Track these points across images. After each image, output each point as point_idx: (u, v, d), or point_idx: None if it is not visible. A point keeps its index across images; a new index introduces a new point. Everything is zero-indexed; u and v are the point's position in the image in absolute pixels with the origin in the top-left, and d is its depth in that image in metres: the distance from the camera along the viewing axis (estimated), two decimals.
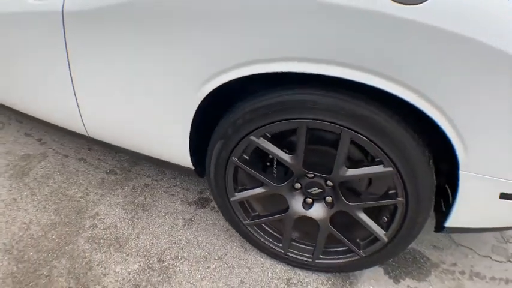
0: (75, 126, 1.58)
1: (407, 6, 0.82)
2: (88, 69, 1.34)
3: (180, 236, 1.58)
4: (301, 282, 1.41)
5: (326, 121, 1.06)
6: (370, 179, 1.27)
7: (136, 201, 1.74)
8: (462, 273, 1.48)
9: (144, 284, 1.39)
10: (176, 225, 1.63)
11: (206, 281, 1.41)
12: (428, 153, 1.07)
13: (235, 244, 1.55)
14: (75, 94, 1.44)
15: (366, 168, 1.13)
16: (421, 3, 0.81)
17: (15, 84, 1.63)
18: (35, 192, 1.75)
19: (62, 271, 1.42)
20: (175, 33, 1.08)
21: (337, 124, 1.05)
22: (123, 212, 1.68)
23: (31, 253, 1.48)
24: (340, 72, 0.94)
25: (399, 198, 1.14)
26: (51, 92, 1.52)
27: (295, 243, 1.41)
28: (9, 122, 2.18)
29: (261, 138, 1.18)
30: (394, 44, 0.86)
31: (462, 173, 1.04)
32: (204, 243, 1.55)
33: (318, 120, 1.06)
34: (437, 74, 0.87)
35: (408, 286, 1.42)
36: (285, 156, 1.19)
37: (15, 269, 1.41)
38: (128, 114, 1.37)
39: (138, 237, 1.57)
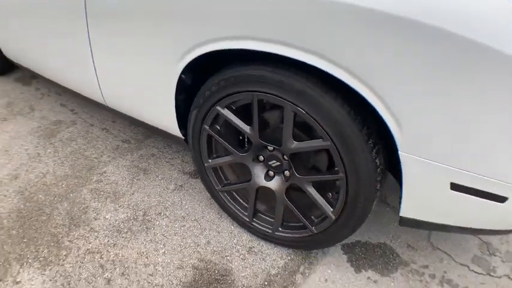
0: (97, 96, 1.82)
1: None
2: (102, 49, 1.56)
3: (168, 197, 1.75)
4: (261, 252, 1.49)
5: (272, 94, 1.15)
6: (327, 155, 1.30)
7: (140, 165, 1.94)
8: (432, 276, 1.43)
9: (125, 230, 1.57)
10: (168, 188, 1.80)
11: (178, 236, 1.56)
12: (367, 131, 1.09)
13: (213, 211, 1.67)
14: (95, 69, 1.67)
15: (309, 141, 1.19)
16: None
17: (49, 58, 1.92)
18: (58, 150, 2.02)
19: (62, 212, 1.65)
20: (156, 24, 1.28)
21: (280, 97, 1.14)
22: (127, 173, 1.89)
23: (40, 195, 1.73)
24: (278, 50, 1.04)
25: (340, 174, 1.17)
26: (78, 66, 1.77)
27: (261, 215, 1.49)
28: (49, 93, 2.52)
29: (226, 109, 1.31)
30: (323, 23, 0.94)
31: (402, 154, 1.04)
32: (186, 206, 1.70)
33: (265, 93, 1.17)
34: (364, 52, 0.92)
35: (368, 277, 1.42)
36: (245, 127, 1.30)
37: (22, 206, 1.67)
38: (131, 86, 1.58)
39: (132, 194, 1.76)
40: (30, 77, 2.68)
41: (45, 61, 1.96)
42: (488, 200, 1.04)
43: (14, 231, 1.55)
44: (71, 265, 1.43)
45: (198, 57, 1.24)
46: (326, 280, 1.39)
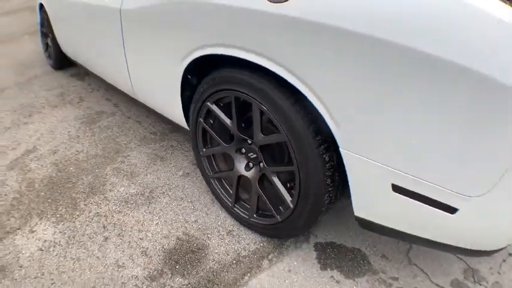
0: (130, 90, 2.14)
1: (275, 4, 1.08)
2: (131, 50, 1.87)
3: (174, 181, 1.98)
4: (239, 236, 1.64)
5: (243, 92, 1.33)
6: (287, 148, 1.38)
7: (159, 154, 2.21)
8: None
9: (131, 202, 1.83)
10: (176, 174, 2.04)
11: (172, 212, 1.77)
12: (314, 128, 1.18)
13: (208, 196, 1.87)
14: (127, 67, 1.99)
15: (270, 135, 1.34)
16: (285, 1, 1.06)
17: (95, 56, 2.29)
18: (95, 134, 2.37)
19: (85, 182, 1.96)
20: (165, 33, 1.56)
21: (249, 95, 1.32)
22: (146, 158, 2.17)
23: (71, 168, 2.06)
24: (239, 54, 1.23)
25: (293, 167, 1.29)
26: (116, 65, 2.11)
27: (242, 203, 1.64)
28: (98, 89, 2.93)
29: (214, 105, 1.52)
30: (268, 31, 1.11)
31: (342, 151, 1.11)
32: (187, 190, 1.92)
33: (239, 91, 1.35)
34: (300, 54, 1.06)
35: (332, 276, 1.44)
36: (227, 120, 1.50)
37: (54, 175, 2.00)
38: (151, 82, 1.86)
39: (146, 175, 2.02)
40: (84, 74, 3.13)
41: (92, 59, 2.34)
42: (437, 209, 1.02)
43: (42, 193, 1.88)
44: (80, 223, 1.70)
45: (196, 60, 1.47)
46: (290, 271, 1.48)
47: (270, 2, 1.10)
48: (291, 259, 1.53)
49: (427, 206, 1.03)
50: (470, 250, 1.07)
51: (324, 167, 1.21)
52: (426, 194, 1.01)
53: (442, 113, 0.88)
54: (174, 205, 1.81)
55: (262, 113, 1.32)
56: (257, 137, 1.39)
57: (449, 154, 0.92)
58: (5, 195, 1.90)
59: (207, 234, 1.65)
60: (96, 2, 2.05)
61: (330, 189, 1.26)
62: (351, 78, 0.99)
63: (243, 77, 1.30)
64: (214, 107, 1.51)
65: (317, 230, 1.65)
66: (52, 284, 1.43)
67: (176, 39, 1.50)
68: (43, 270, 1.49)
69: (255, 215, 1.57)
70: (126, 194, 1.88)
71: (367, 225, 1.24)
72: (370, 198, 1.16)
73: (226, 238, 1.63)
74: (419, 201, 1.03)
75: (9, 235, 1.66)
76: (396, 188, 1.06)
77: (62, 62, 3.11)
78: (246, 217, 1.61)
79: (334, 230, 1.65)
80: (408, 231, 1.14)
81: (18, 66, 3.76)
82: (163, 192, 1.90)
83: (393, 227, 1.17)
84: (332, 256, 1.54)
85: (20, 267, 1.51)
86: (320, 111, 1.11)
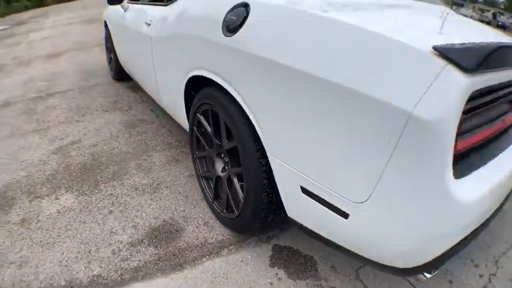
0: (158, 99, 2.61)
1: (227, 37, 1.44)
2: (157, 67, 2.34)
3: (179, 179, 2.34)
4: (212, 226, 1.91)
5: (212, 105, 1.67)
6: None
7: (176, 157, 2.61)
8: None
9: (140, 189, 2.22)
10: (183, 174, 2.40)
11: (168, 201, 2.12)
12: (254, 137, 1.41)
13: (201, 194, 2.19)
14: (156, 80, 2.46)
15: (231, 142, 1.62)
16: (232, 36, 1.42)
17: (139, 72, 2.81)
18: (131, 136, 2.86)
19: (110, 170, 2.41)
20: (174, 56, 1.97)
21: (215, 107, 1.64)
22: (165, 159, 2.58)
23: (103, 159, 2.54)
24: (207, 74, 1.60)
25: (239, 168, 1.56)
26: (150, 78, 2.60)
27: (220, 200, 1.92)
28: (146, 100, 3.49)
29: (201, 116, 1.87)
30: (222, 57, 1.47)
31: (269, 156, 1.35)
32: (186, 187, 2.26)
33: (211, 104, 1.69)
34: (238, 74, 1.40)
35: (276, 273, 1.61)
36: (209, 129, 1.83)
37: (88, 162, 2.50)
38: (169, 93, 2.29)
39: (159, 172, 2.42)
40: (137, 87, 3.72)
41: (138, 73, 2.86)
42: (334, 213, 1.16)
43: (74, 173, 2.37)
44: (96, 198, 2.13)
45: (194, 79, 1.85)
46: (242, 261, 1.70)
47: (224, 36, 1.46)
48: (247, 253, 1.76)
49: (326, 208, 1.18)
50: (386, 266, 1.14)
51: (261, 169, 1.46)
52: (325, 198, 1.17)
53: (332, 129, 1.09)
54: (171, 197, 2.17)
55: (225, 121, 1.64)
56: (223, 143, 1.71)
57: (338, 163, 1.09)
58: (44, 171, 2.43)
59: (188, 221, 1.97)
60: (138, 29, 2.58)
61: (268, 189, 1.49)
62: (272, 97, 1.28)
63: (213, 93, 1.65)
64: (201, 118, 1.87)
65: (281, 235, 1.86)
66: (58, 235, 1.85)
67: (180, 61, 1.91)
68: (54, 226, 1.92)
69: (225, 210, 1.86)
70: (139, 183, 2.29)
71: (299, 227, 1.40)
72: (289, 198, 1.36)
73: (201, 227, 1.93)
74: (321, 204, 1.20)
75: (37, 199, 2.15)
76: (304, 190, 1.25)
77: (121, 74, 3.74)
78: (219, 212, 1.90)
79: (297, 238, 1.83)
80: (319, 232, 1.30)
81: (84, 74, 4.63)
82: (167, 186, 2.27)
83: (314, 230, 1.32)
84: (284, 258, 1.72)
85: (38, 221, 1.96)
86: (253, 121, 1.39)
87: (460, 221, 1.01)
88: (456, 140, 0.93)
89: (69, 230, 1.89)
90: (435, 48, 0.90)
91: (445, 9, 1.74)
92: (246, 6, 1.43)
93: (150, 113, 3.27)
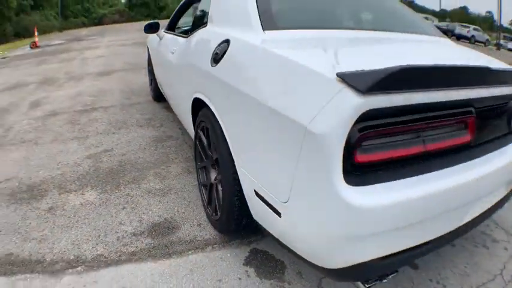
0: (180, 119, 3.01)
1: (213, 67, 1.79)
2: (176, 90, 2.75)
3: (188, 187, 2.67)
4: (204, 228, 2.20)
5: (205, 122, 2.01)
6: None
7: (190, 169, 2.96)
8: None
9: (153, 192, 2.59)
10: (192, 183, 2.73)
11: (172, 204, 2.46)
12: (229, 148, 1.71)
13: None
14: (177, 100, 2.87)
15: (215, 154, 1.93)
16: (215, 66, 1.76)
17: (168, 95, 3.26)
18: (157, 149, 3.28)
19: (132, 175, 2.82)
20: (184, 76, 2.37)
21: (206, 123, 1.99)
22: (180, 170, 2.94)
23: (128, 166, 2.97)
24: (199, 95, 1.97)
25: (219, 177, 1.86)
26: (174, 99, 3.02)
27: (213, 204, 2.25)
28: (175, 119, 3.90)
29: (200, 131, 2.22)
30: (209, 83, 1.83)
31: (237, 165, 1.64)
32: (191, 194, 2.58)
33: (205, 121, 2.03)
34: (214, 94, 1.76)
35: (246, 271, 1.84)
36: (205, 142, 2.17)
37: (115, 167, 2.94)
38: (182, 110, 2.69)
39: (172, 180, 2.78)
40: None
41: (167, 94, 3.32)
42: (273, 212, 1.37)
43: (101, 175, 2.80)
44: (114, 196, 2.53)
45: (196, 100, 2.22)
46: (221, 258, 1.94)
47: (211, 66, 1.82)
48: (227, 251, 2.02)
49: (268, 208, 1.41)
50: (315, 266, 1.28)
51: (232, 177, 1.75)
52: (266, 198, 1.41)
53: (267, 141, 1.39)
54: (177, 201, 2.51)
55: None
56: (213, 154, 2.03)
57: (271, 168, 1.35)
58: (76, 171, 2.89)
59: (184, 221, 2.29)
60: (166, 56, 3.03)
61: (239, 194, 1.76)
62: (233, 116, 1.63)
63: (206, 112, 2.00)
64: (201, 133, 2.21)
65: (262, 241, 2.10)
66: (76, 222, 2.25)
67: (187, 85, 2.30)
68: (75, 214, 2.33)
69: (213, 214, 2.16)
70: (153, 187, 2.67)
71: (262, 229, 1.63)
72: (250, 201, 1.62)
73: (194, 227, 2.24)
74: (265, 204, 1.43)
75: (66, 193, 2.59)
76: (256, 193, 1.50)
77: (159, 95, 4.24)
78: (210, 215, 2.21)
79: (275, 244, 1.94)
80: (271, 232, 1.50)
81: (128, 93, 5.27)
82: (176, 192, 2.62)
83: (264, 227, 1.55)
84: (258, 259, 1.95)
85: (63, 210, 2.38)
86: (226, 136, 1.72)
87: (356, 224, 1.11)
88: (354, 153, 1.10)
89: (87, 218, 2.29)
90: (337, 74, 1.10)
91: (438, 40, 1.95)
92: (228, 42, 1.78)
93: (178, 131, 3.70)
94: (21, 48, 16.42)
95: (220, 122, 1.75)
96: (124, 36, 16.16)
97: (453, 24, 23.93)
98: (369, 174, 1.15)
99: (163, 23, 3.91)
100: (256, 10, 1.79)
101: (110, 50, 11.64)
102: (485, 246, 2.08)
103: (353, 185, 1.10)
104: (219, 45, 1.86)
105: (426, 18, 29.14)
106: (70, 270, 1.85)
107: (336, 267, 1.25)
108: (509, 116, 1.62)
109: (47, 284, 1.75)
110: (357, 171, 1.12)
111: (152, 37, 4.03)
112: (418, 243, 1.31)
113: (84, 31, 24.87)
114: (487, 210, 1.59)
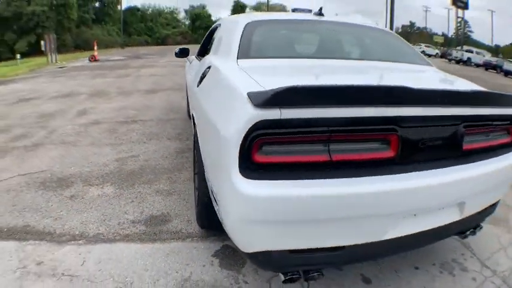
0: None
1: (197, 87, 2.22)
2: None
3: (190, 190, 3.06)
4: (191, 223, 2.54)
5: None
6: None
7: None
8: None
9: (160, 192, 3.02)
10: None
11: (173, 203, 2.86)
12: None
13: None
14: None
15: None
16: (198, 86, 2.20)
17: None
18: (176, 158, 3.75)
19: (148, 177, 3.30)
20: (190, 95, 2.83)
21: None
22: (189, 176, 3.33)
23: (148, 169, 3.45)
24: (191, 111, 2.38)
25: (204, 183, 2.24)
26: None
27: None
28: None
29: (195, 143, 2.63)
30: (194, 100, 2.25)
31: (205, 170, 2.02)
32: (191, 195, 2.99)
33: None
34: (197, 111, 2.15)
35: (212, 261, 2.15)
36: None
37: (136, 170, 3.43)
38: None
39: (180, 184, 3.19)
40: None
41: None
42: (217, 205, 1.70)
43: (122, 175, 3.31)
44: (127, 192, 3.01)
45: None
46: (194, 248, 2.27)
47: (196, 86, 2.24)
48: (202, 244, 2.34)
49: (214, 200, 1.78)
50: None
51: (204, 179, 2.11)
52: (214, 194, 1.76)
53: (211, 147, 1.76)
54: (177, 200, 2.92)
55: None
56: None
57: (213, 167, 1.70)
58: (103, 170, 3.43)
59: (177, 217, 2.67)
60: (187, 76, 3.53)
61: (208, 195, 2.09)
62: (201, 129, 2.02)
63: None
64: (195, 144, 2.63)
65: None
66: (90, 208, 2.74)
67: (190, 103, 2.75)
68: (91, 202, 2.83)
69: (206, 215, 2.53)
70: (161, 188, 3.11)
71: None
72: (212, 201, 1.93)
73: (184, 222, 2.61)
74: (214, 200, 1.78)
75: (89, 185, 3.12)
76: (211, 192, 1.86)
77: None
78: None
79: None
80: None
81: (168, 110, 5.92)
82: (178, 193, 3.03)
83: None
84: (226, 254, 2.25)
85: (82, 198, 2.90)
86: (199, 145, 2.11)
87: (247, 209, 1.36)
88: (252, 154, 1.32)
89: (99, 206, 2.77)
90: (247, 93, 1.39)
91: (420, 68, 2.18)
92: (209, 67, 2.20)
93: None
94: (81, 60, 17.94)
95: (198, 134, 2.15)
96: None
97: (502, 60, 23.01)
98: (266, 172, 1.36)
99: None
100: (238, 43, 2.17)
101: (164, 70, 12.52)
102: (452, 274, 2.08)
103: (248, 179, 1.35)
104: (205, 69, 2.28)
105: (478, 53, 27.91)
106: (73, 242, 2.31)
107: (249, 252, 1.50)
108: (460, 137, 1.61)
109: (50, 249, 2.23)
110: (255, 169, 1.36)
111: (187, 61, 4.63)
112: (326, 245, 1.48)
113: (145, 49, 25.91)
114: (429, 231, 1.60)
